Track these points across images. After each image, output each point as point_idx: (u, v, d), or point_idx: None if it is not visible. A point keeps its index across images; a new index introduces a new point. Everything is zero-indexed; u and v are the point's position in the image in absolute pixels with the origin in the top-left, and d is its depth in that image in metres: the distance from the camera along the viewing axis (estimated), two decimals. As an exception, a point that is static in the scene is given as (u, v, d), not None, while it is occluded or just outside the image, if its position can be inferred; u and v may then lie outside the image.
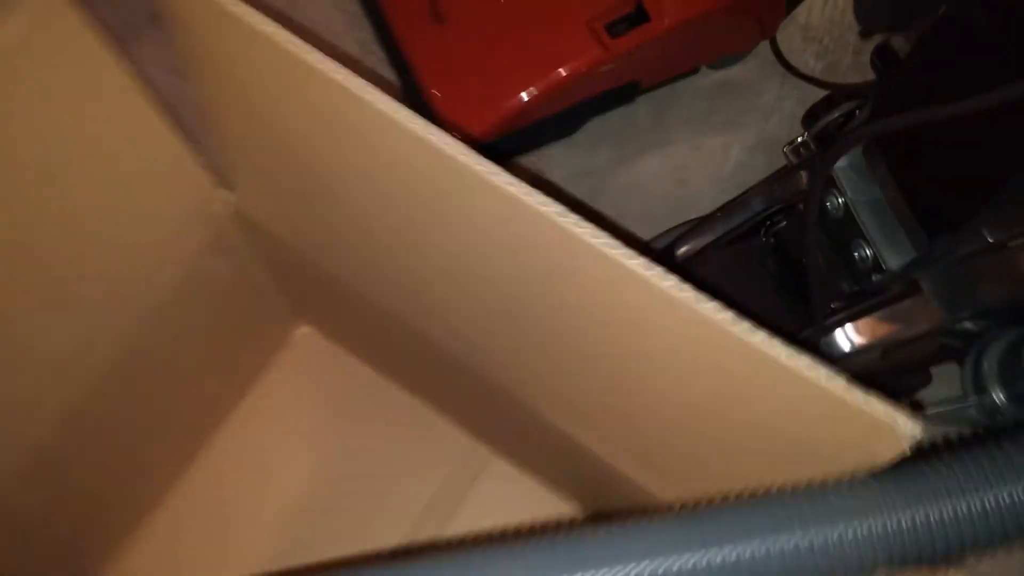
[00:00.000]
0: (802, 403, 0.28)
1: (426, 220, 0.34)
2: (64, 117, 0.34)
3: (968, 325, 0.46)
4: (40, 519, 0.46)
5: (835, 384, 0.26)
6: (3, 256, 0.35)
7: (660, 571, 0.26)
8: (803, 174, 0.53)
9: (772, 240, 0.50)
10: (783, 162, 0.61)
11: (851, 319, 0.45)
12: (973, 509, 0.26)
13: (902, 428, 0.26)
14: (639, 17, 0.57)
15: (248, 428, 0.57)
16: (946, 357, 0.49)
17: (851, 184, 0.42)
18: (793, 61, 0.67)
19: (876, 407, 0.25)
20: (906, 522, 0.27)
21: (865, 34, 0.46)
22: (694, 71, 0.67)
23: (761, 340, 0.26)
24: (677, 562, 0.26)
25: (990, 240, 0.41)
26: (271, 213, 0.43)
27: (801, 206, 0.47)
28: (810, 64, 0.69)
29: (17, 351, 0.39)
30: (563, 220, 0.27)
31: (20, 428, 0.41)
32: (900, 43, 0.51)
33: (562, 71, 0.56)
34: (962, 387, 0.46)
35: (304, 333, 0.59)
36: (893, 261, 0.41)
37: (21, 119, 0.32)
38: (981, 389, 0.45)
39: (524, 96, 0.56)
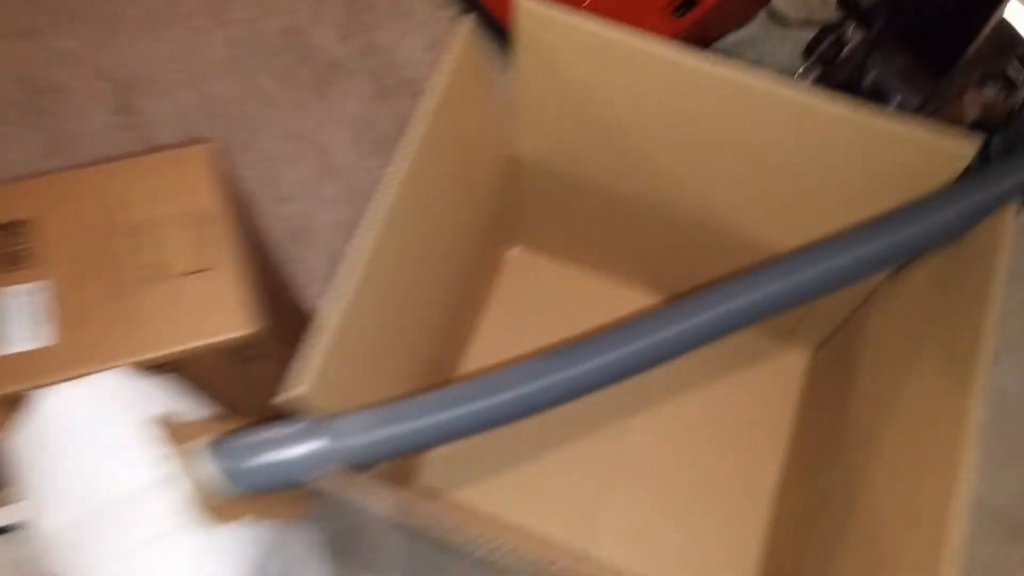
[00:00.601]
0: (903, 145, 0.54)
1: (682, 122, 0.60)
2: (471, 107, 0.60)
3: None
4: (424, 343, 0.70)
5: (923, 127, 0.53)
6: (452, 188, 0.60)
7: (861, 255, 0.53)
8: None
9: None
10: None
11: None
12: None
13: (968, 147, 0.53)
14: (692, 1, 0.86)
15: (496, 315, 0.83)
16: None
17: (877, 63, 0.71)
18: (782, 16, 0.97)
19: (948, 136, 0.53)
20: (981, 198, 0.53)
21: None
22: (723, 35, 0.96)
23: (884, 117, 0.53)
24: (862, 250, 0.53)
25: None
26: (541, 149, 0.69)
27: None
28: (792, 15, 0.98)
29: (433, 254, 0.63)
30: (785, 90, 0.54)
31: (432, 304, 0.66)
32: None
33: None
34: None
35: (514, 253, 0.85)
36: (914, 101, 0.70)
37: (463, 112, 0.58)
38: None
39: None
